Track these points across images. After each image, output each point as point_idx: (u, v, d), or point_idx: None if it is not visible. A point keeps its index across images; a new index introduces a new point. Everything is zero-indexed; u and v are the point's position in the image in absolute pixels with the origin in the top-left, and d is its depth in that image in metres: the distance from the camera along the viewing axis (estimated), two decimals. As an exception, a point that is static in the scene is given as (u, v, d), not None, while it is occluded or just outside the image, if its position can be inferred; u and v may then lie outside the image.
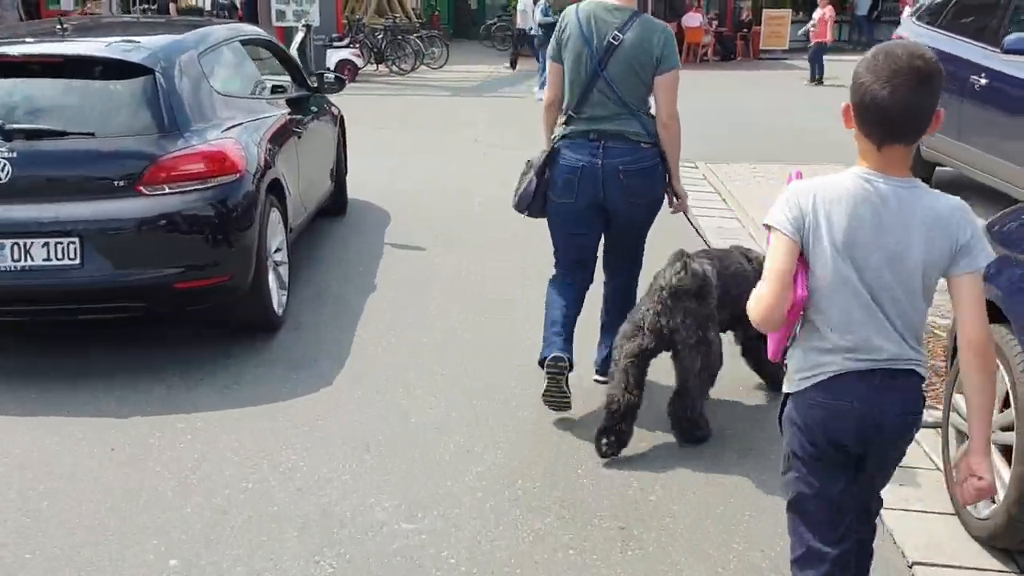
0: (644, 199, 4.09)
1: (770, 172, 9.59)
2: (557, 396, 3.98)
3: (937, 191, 2.23)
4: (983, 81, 7.20)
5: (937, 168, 8.48)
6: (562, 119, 4.12)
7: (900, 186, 2.13)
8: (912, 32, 8.82)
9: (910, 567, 3.16)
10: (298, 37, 19.22)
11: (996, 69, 7.06)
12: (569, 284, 4.28)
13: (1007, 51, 6.68)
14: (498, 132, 12.35)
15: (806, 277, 2.15)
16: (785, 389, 2.33)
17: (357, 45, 20.00)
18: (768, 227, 2.19)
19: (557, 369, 3.93)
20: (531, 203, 4.17)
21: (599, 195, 4.02)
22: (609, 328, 4.27)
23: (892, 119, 2.06)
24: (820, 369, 2.21)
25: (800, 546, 2.33)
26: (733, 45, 25.39)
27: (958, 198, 2.20)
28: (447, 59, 22.57)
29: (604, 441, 3.78)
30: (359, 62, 19.56)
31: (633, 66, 3.94)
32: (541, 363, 4.06)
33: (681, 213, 4.33)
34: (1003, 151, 6.82)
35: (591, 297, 4.47)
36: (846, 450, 2.24)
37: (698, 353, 3.78)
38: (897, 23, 28.15)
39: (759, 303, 2.16)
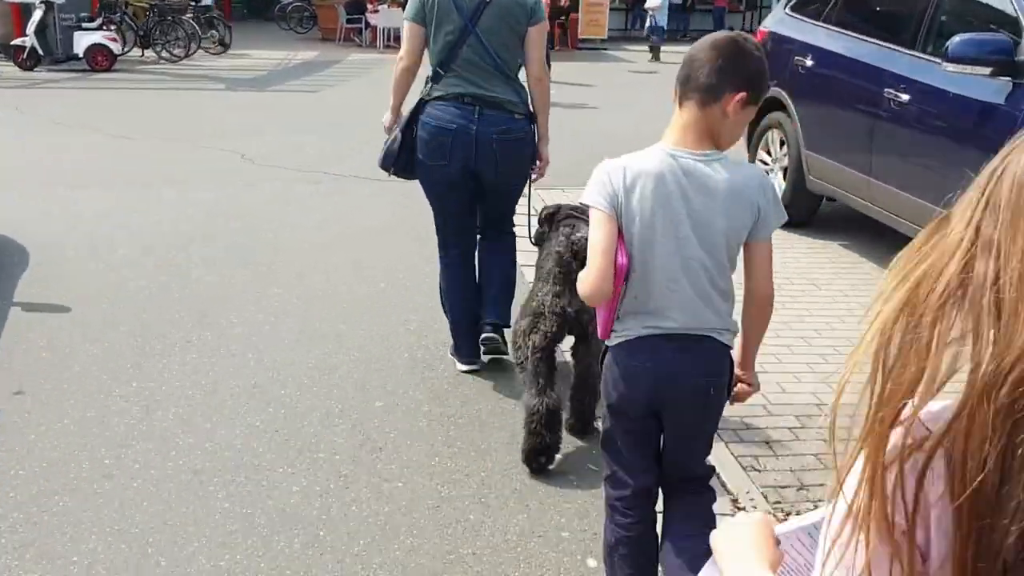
0: (512, 168, 3.99)
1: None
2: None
3: (738, 162, 2.33)
4: (904, 97, 5.37)
5: (825, 201, 6.70)
6: (431, 81, 3.93)
7: (701, 159, 2.23)
8: (787, 27, 6.99)
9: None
10: (36, 15, 15.83)
11: (929, 83, 5.23)
12: (458, 262, 4.19)
13: (952, 59, 4.79)
14: (277, 143, 9.84)
15: (624, 246, 2.24)
16: (605, 341, 2.45)
17: (113, 27, 16.72)
18: (586, 206, 2.27)
19: (493, 347, 4.17)
20: (395, 160, 4.02)
21: (471, 161, 3.90)
22: (486, 304, 4.21)
23: (690, 74, 2.23)
24: (625, 332, 2.35)
25: (608, 469, 2.60)
26: (550, 34, 23.55)
27: (756, 167, 2.53)
28: (230, 43, 19.58)
29: (540, 460, 3.46)
30: (115, 47, 16.35)
31: (506, 19, 3.82)
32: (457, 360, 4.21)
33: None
34: (928, 191, 4.95)
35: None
36: (642, 407, 2.42)
37: None
38: (710, 11, 28.09)
39: (588, 277, 2.24)
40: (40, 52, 15.95)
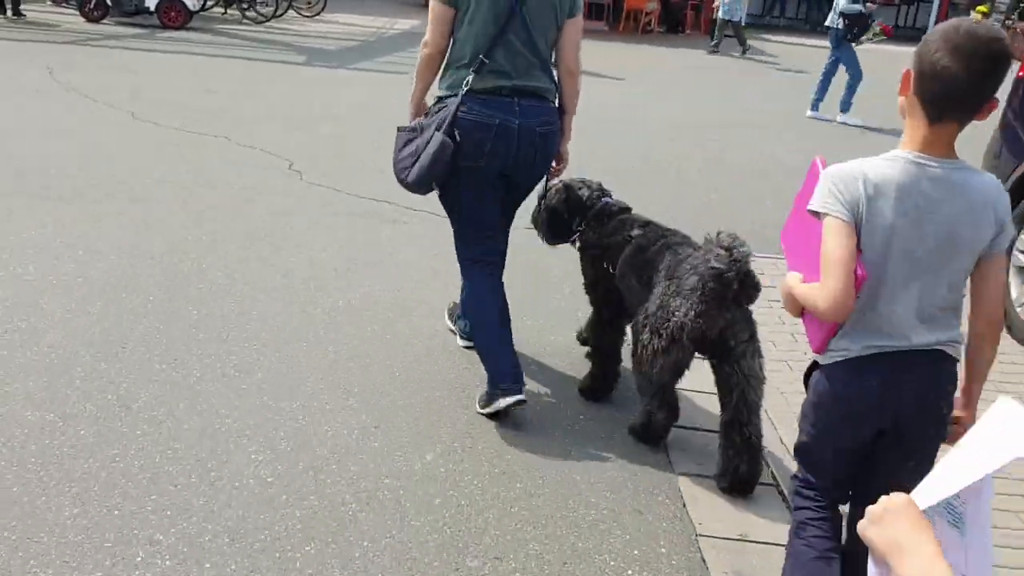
0: (546, 163, 3.67)
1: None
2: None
3: (978, 169, 2.15)
4: None
5: None
6: (465, 70, 3.44)
7: (949, 168, 2.07)
8: None
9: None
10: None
11: None
12: (488, 274, 3.71)
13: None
14: (342, 148, 7.69)
15: (860, 257, 2.08)
16: (817, 358, 2.29)
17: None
18: (817, 214, 2.10)
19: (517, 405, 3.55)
20: (442, 171, 3.44)
21: (509, 158, 3.49)
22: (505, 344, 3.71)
23: (956, 92, 2.00)
24: (847, 349, 2.19)
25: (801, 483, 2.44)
26: (682, 15, 20.89)
27: (992, 175, 2.14)
28: (325, 5, 17.57)
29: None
30: (191, 2, 14.43)
31: (552, 4, 3.47)
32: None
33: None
34: None
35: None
36: (864, 427, 2.25)
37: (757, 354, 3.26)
38: None
39: (832, 293, 2.05)
40: (109, 2, 14.18)
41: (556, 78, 3.61)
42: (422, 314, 4.50)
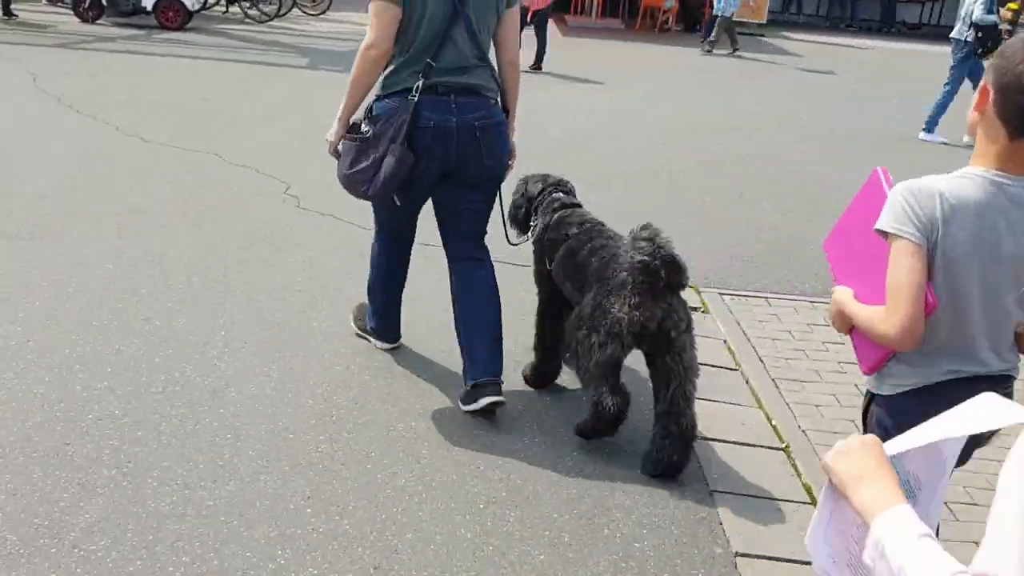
0: (496, 157, 3.55)
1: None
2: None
3: None
4: None
5: None
6: (411, 72, 3.35)
7: None
8: None
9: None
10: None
11: None
12: (403, 254, 3.87)
13: None
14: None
15: (932, 281, 1.96)
16: (874, 389, 2.17)
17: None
18: (885, 233, 1.94)
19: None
20: (402, 181, 3.41)
21: (451, 159, 3.44)
22: (479, 336, 3.60)
23: None
24: (918, 378, 2.06)
25: None
26: (700, 13, 20.16)
27: None
28: (330, 3, 16.92)
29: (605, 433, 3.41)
30: (190, 1, 13.78)
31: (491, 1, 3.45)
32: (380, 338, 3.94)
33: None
34: None
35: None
36: None
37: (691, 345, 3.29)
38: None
39: (901, 321, 1.91)
40: (104, 2, 13.55)
41: (497, 73, 3.55)
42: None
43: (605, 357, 3.21)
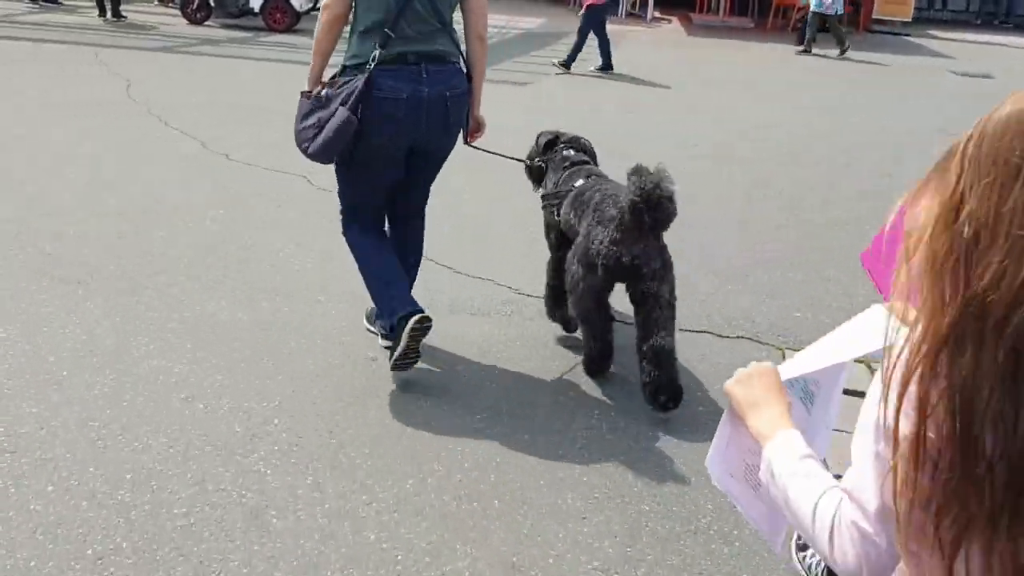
0: (458, 127, 3.60)
1: None
2: (414, 357, 3.46)
3: None
4: None
5: None
6: (370, 41, 3.29)
7: None
8: None
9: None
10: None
11: None
12: (380, 231, 3.70)
13: None
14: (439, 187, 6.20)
15: None
16: None
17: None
18: None
19: (423, 330, 3.41)
20: (344, 147, 3.33)
21: (420, 129, 3.40)
22: (411, 267, 3.78)
23: None
24: None
25: None
26: (789, 9, 18.64)
27: None
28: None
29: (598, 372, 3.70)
30: (298, 2, 13.23)
31: None
32: (393, 326, 3.43)
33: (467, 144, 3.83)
34: None
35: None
36: None
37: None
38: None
39: None
40: (212, 3, 13.13)
41: (460, 43, 3.52)
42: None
43: (586, 286, 3.43)
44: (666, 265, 3.39)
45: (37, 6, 13.95)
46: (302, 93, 3.44)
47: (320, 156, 3.38)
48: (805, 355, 1.43)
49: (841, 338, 1.40)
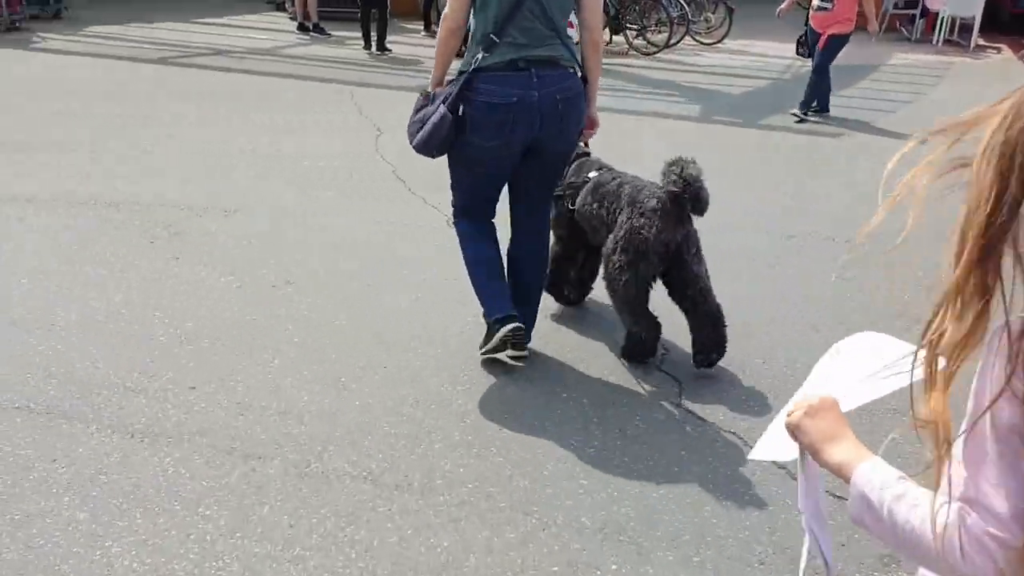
0: (575, 128, 3.67)
1: None
2: (500, 352, 3.65)
3: None
4: None
5: None
6: (478, 48, 3.46)
7: None
8: None
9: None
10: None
11: None
12: (488, 228, 3.82)
13: None
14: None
15: None
16: None
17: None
18: None
19: (516, 340, 3.61)
20: (442, 144, 3.53)
21: (534, 131, 3.52)
22: (529, 284, 3.88)
23: None
24: None
25: None
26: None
27: None
28: (728, 31, 14.43)
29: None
30: (572, 33, 11.95)
31: None
32: (488, 324, 3.70)
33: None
34: None
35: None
36: None
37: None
38: None
39: None
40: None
41: (576, 49, 3.61)
42: None
43: (635, 277, 3.64)
44: (699, 250, 3.72)
45: (308, 37, 13.62)
46: (420, 92, 3.66)
47: (422, 150, 3.57)
48: (859, 390, 1.42)
49: (891, 368, 1.37)
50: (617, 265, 3.65)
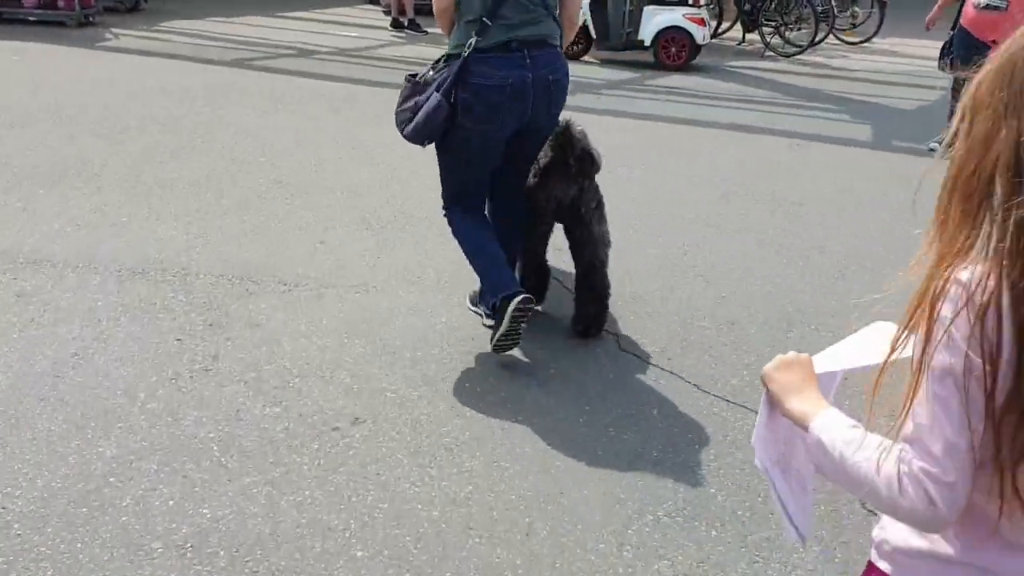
0: (561, 106, 3.65)
1: None
2: (515, 338, 3.53)
3: None
4: None
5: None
6: (470, 28, 3.37)
7: None
8: None
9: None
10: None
11: None
12: (480, 217, 3.75)
13: None
14: None
15: None
16: None
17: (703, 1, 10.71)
18: None
19: (526, 311, 3.47)
20: (436, 132, 3.46)
21: (525, 115, 3.49)
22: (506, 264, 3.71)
23: None
24: None
25: None
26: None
27: None
28: (879, 28, 12.57)
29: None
30: (700, 32, 10.30)
31: None
32: (496, 305, 3.48)
33: None
34: None
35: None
36: None
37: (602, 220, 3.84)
38: None
39: None
40: (592, 33, 10.60)
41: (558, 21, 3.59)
42: None
43: (532, 231, 3.84)
44: (600, 205, 3.79)
45: (403, 34, 12.30)
46: (406, 77, 3.53)
47: (414, 138, 3.48)
48: (836, 357, 1.46)
49: (867, 344, 1.43)
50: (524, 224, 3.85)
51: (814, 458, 1.29)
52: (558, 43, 3.53)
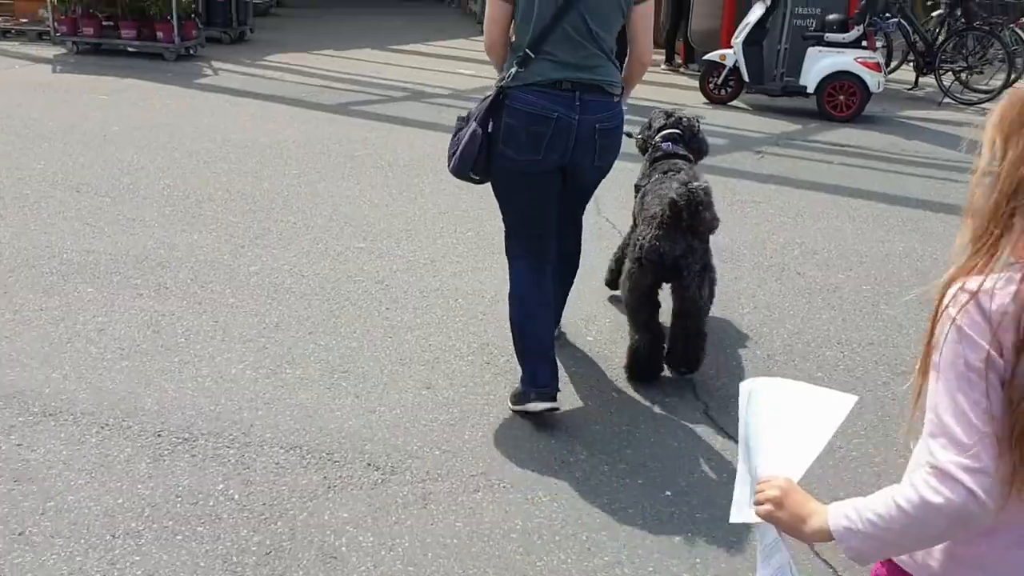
0: (609, 160, 3.52)
1: None
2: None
3: None
4: None
5: None
6: (512, 62, 3.33)
7: None
8: None
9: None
10: (753, 14, 9.11)
11: None
12: (533, 268, 3.50)
13: None
14: None
15: None
16: None
17: (879, 40, 9.20)
18: None
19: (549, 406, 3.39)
20: (475, 162, 3.37)
21: (566, 155, 3.37)
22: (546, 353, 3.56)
23: None
24: None
25: None
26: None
27: None
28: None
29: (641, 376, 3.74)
30: (874, 80, 8.76)
31: None
32: (523, 391, 3.41)
33: None
34: None
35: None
36: None
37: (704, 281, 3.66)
38: None
39: None
40: (745, 76, 9.20)
41: (619, 68, 3.43)
42: None
43: (634, 283, 3.61)
44: (706, 268, 3.61)
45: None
46: (458, 117, 3.49)
47: (456, 172, 3.42)
48: (800, 454, 1.44)
49: (819, 421, 1.45)
50: (625, 272, 3.69)
51: (850, 548, 1.29)
52: (617, 92, 3.38)
